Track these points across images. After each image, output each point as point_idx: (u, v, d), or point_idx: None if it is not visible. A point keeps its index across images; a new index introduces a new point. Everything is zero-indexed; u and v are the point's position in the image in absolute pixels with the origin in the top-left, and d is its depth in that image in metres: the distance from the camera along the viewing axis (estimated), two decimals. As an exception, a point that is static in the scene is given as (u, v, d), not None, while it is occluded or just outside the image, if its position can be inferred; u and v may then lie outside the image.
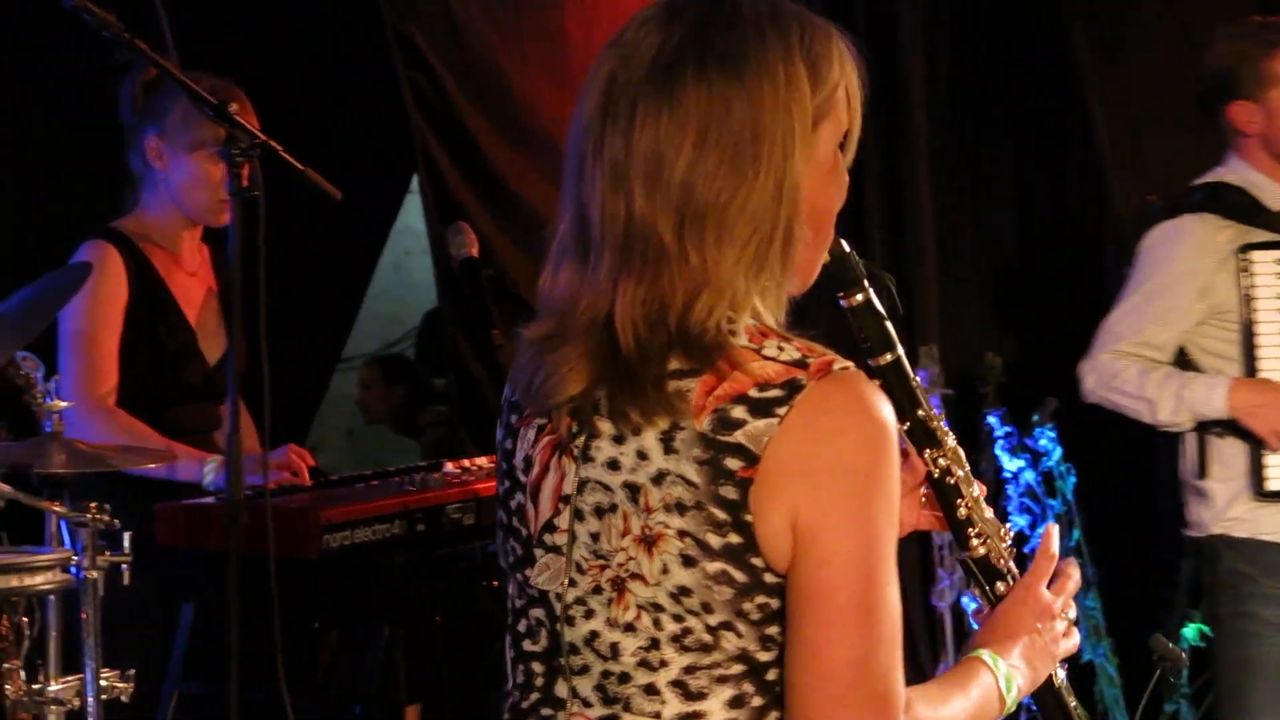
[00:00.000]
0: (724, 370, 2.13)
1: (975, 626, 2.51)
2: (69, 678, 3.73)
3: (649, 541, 2.14)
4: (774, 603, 2.13)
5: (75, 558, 3.69)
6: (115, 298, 4.62)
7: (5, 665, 3.70)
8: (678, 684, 2.15)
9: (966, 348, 6.27)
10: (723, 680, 2.15)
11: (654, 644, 2.16)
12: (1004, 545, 2.52)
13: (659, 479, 2.13)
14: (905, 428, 2.43)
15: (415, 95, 5.64)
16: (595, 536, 2.18)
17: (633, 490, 2.15)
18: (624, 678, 2.17)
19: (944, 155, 6.34)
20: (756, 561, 2.11)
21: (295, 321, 4.88)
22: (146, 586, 3.92)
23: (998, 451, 5.98)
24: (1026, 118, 6.47)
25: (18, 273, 4.31)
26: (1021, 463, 5.94)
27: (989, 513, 2.51)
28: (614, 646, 2.18)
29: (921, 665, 6.13)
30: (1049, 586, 2.48)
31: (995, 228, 6.47)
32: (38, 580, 3.63)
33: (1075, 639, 2.51)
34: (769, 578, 2.12)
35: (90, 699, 3.70)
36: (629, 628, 2.16)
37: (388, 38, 5.59)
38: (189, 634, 4.41)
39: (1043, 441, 5.93)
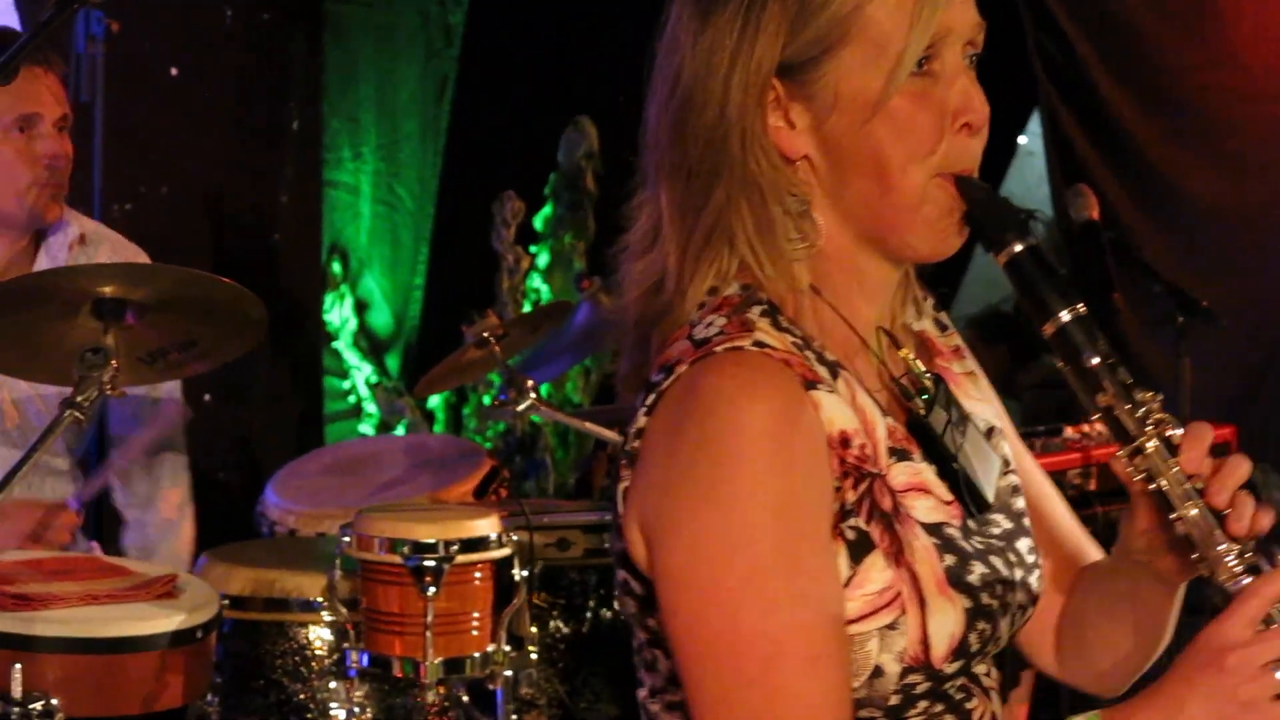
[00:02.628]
0: (659, 352, 1.84)
1: None
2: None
3: None
4: None
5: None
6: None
7: (634, 620, 3.76)
8: (643, 706, 1.89)
9: None
10: (672, 708, 1.85)
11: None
12: (1239, 568, 1.77)
13: None
14: (1095, 419, 1.87)
15: (1043, 59, 5.57)
16: None
17: None
18: None
19: None
20: (644, 573, 1.79)
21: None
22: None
23: None
24: None
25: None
26: None
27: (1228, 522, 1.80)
28: None
29: None
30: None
31: None
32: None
33: None
34: None
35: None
36: None
37: (1017, 2, 5.52)
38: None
39: None
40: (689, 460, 1.72)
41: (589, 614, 3.74)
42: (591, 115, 5.51)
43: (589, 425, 3.89)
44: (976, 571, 1.84)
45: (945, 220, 1.85)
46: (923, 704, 1.82)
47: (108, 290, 3.25)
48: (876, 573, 1.77)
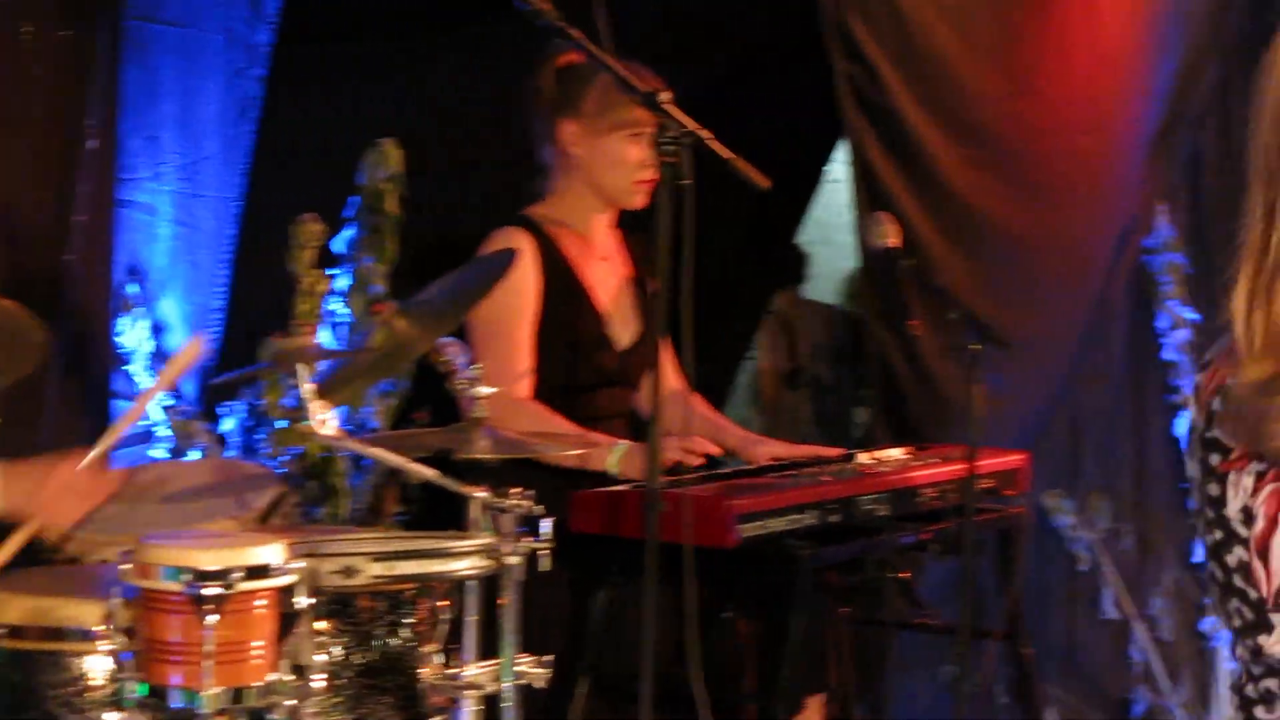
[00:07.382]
0: None
1: None
2: (485, 663, 3.76)
3: None
4: None
5: (496, 544, 3.70)
6: (526, 285, 4.68)
7: (422, 649, 3.73)
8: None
9: None
10: None
11: None
12: None
13: None
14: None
15: (850, 87, 5.57)
16: None
17: None
18: None
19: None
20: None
21: (708, 310, 4.87)
22: (559, 573, 3.94)
23: None
24: None
25: (439, 261, 4.38)
26: None
27: None
28: None
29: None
30: None
31: None
32: (460, 566, 3.65)
33: None
34: None
35: (506, 684, 3.72)
36: None
37: (824, 30, 5.51)
38: (601, 621, 4.45)
39: None
40: None
41: (376, 641, 3.70)
42: (396, 138, 5.46)
43: (380, 451, 3.84)
44: None
45: None
46: None
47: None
48: None
